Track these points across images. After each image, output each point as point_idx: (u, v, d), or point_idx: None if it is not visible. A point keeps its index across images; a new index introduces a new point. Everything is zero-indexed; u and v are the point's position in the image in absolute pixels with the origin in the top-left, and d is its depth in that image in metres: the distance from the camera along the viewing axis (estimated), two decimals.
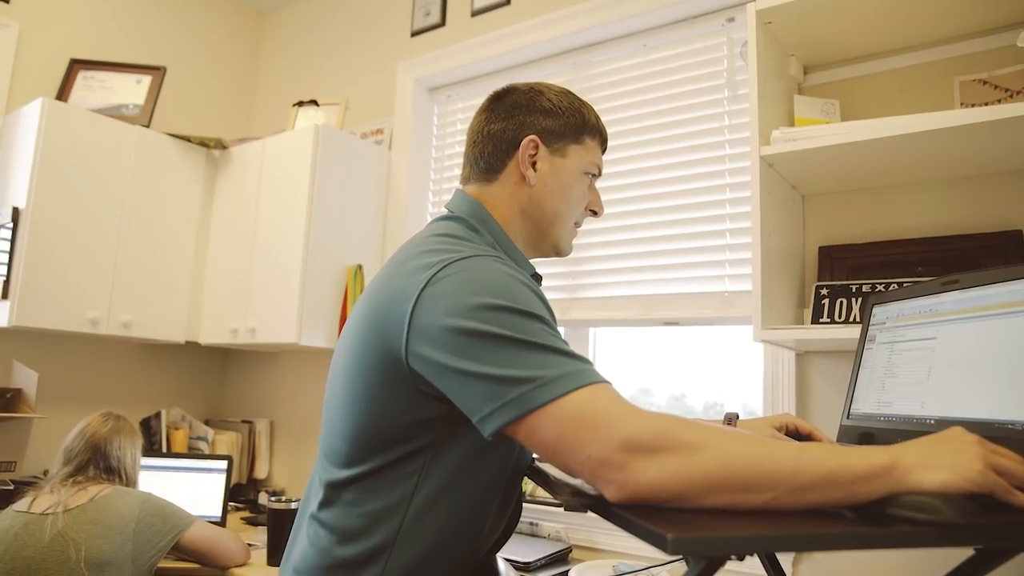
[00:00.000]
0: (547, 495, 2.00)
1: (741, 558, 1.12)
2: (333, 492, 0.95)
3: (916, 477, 0.70)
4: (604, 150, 1.19)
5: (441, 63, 2.71)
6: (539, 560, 1.77)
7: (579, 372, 0.80)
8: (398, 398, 0.90)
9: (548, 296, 2.26)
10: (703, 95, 2.10)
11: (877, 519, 0.69)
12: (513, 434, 0.81)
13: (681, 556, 1.06)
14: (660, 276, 2.09)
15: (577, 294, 2.25)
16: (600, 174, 1.19)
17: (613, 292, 2.18)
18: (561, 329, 2.28)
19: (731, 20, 2.07)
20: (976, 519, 0.67)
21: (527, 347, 0.81)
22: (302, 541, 0.98)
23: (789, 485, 0.71)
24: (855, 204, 1.76)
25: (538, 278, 1.15)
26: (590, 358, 2.23)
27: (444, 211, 1.14)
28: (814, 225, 1.80)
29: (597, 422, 0.75)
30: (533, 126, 1.10)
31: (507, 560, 1.75)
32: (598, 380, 0.80)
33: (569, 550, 1.91)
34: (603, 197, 2.18)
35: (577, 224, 1.18)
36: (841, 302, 1.64)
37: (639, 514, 0.69)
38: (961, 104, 1.64)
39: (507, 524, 1.06)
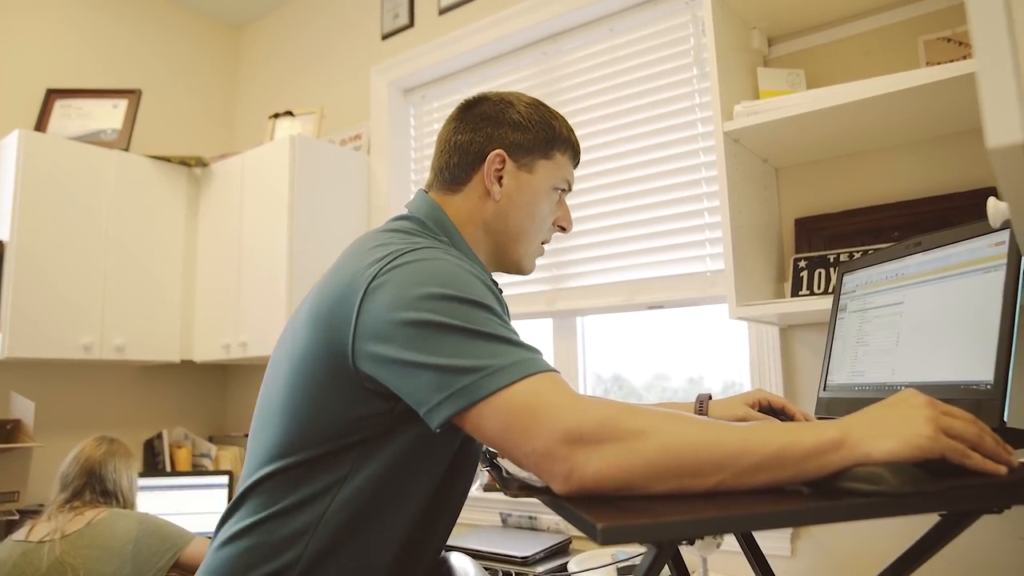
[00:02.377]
0: None
1: (692, 542, 1.12)
2: (261, 481, 0.92)
3: (865, 448, 0.69)
4: (576, 163, 1.16)
5: (413, 64, 2.71)
6: (538, 553, 1.77)
7: (526, 361, 0.79)
8: (341, 394, 0.89)
9: (533, 289, 2.28)
10: (672, 75, 2.09)
11: (830, 493, 0.68)
12: (460, 425, 0.80)
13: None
14: (643, 260, 2.08)
15: (562, 284, 2.25)
16: (570, 189, 1.16)
17: (597, 280, 2.17)
18: (548, 320, 2.29)
19: None
20: (922, 486, 0.65)
21: (473, 336, 0.80)
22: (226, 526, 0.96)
23: (736, 467, 0.70)
24: (829, 173, 1.74)
25: (495, 283, 1.13)
26: (579, 346, 2.23)
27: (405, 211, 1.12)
28: (789, 197, 1.79)
29: (541, 414, 0.74)
30: (501, 139, 1.07)
31: (505, 556, 1.75)
32: (545, 369, 0.79)
33: (569, 542, 1.91)
34: (579, 186, 2.21)
35: (544, 241, 1.16)
36: (819, 273, 1.63)
37: (580, 504, 0.68)
38: (927, 63, 1.62)
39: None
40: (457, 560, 1.08)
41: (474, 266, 0.93)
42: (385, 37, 2.86)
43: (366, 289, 0.87)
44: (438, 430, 0.81)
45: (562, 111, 2.28)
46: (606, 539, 0.58)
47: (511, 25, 2.40)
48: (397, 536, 0.94)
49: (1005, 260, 0.91)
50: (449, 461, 0.97)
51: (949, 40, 1.61)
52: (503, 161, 1.07)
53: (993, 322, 0.90)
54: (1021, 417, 1.38)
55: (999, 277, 0.91)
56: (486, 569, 1.69)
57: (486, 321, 0.83)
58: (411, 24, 2.76)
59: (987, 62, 0.48)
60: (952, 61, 1.56)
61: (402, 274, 0.87)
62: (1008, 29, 0.47)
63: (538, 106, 1.12)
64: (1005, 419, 0.82)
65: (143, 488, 2.28)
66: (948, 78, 1.31)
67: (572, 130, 1.15)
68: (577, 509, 0.66)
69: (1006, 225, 0.87)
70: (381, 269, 0.88)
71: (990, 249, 0.96)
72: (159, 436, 2.78)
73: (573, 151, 1.14)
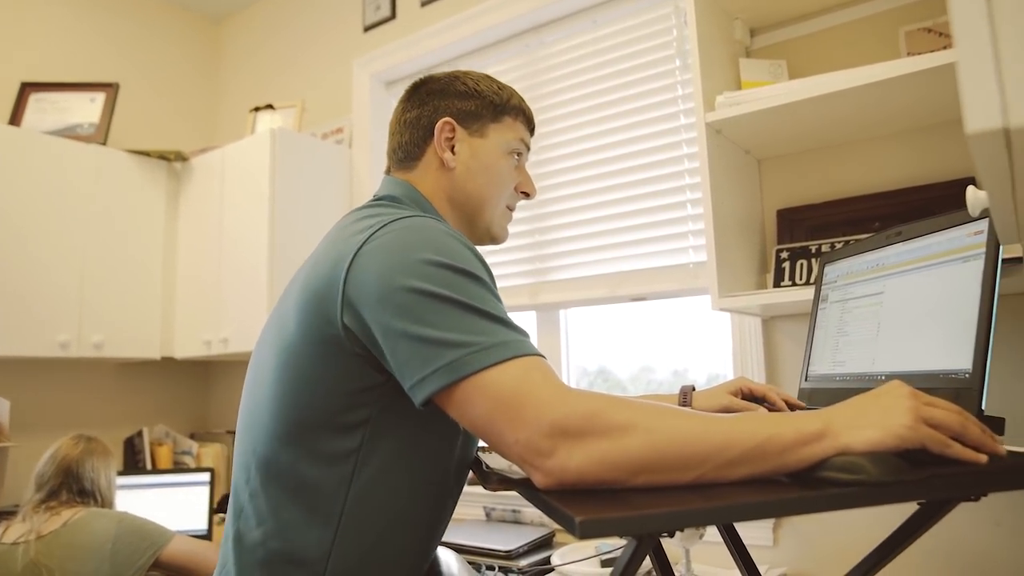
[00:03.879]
0: None
1: (672, 534, 1.12)
2: (261, 480, 0.90)
3: (846, 439, 0.69)
4: (531, 131, 1.15)
5: (395, 56, 2.69)
6: (522, 547, 1.77)
7: (514, 342, 0.78)
8: (333, 364, 0.86)
9: (517, 282, 2.27)
10: (654, 67, 2.08)
11: (810, 483, 0.68)
12: (445, 405, 0.78)
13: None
14: (626, 253, 2.07)
15: (545, 277, 2.24)
16: (527, 152, 1.14)
17: (581, 272, 2.17)
18: (532, 313, 2.28)
19: None
20: (901, 475, 0.65)
21: (465, 309, 0.79)
22: (232, 540, 0.94)
23: (718, 460, 0.70)
24: (810, 164, 1.74)
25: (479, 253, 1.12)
26: (562, 339, 2.23)
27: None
28: (771, 188, 1.79)
29: (527, 404, 0.73)
30: (448, 109, 1.07)
31: (488, 550, 1.75)
32: (533, 353, 0.78)
33: (552, 535, 1.91)
34: (563, 178, 2.20)
35: (510, 208, 1.14)
36: (801, 264, 1.63)
37: (559, 497, 0.67)
38: (907, 53, 1.62)
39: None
40: (442, 554, 1.07)
41: (461, 235, 0.91)
42: (367, 29, 2.83)
43: (355, 255, 0.85)
44: (422, 408, 0.79)
45: (545, 103, 2.29)
46: (585, 533, 0.58)
47: (493, 17, 2.39)
48: (411, 531, 0.93)
49: (984, 249, 0.91)
50: (457, 445, 0.95)
51: (930, 31, 1.61)
52: (453, 129, 1.06)
53: (972, 311, 0.89)
54: (999, 405, 1.39)
55: (978, 266, 0.91)
56: (470, 563, 1.68)
57: (478, 295, 0.81)
58: (393, 16, 2.74)
59: (966, 47, 0.47)
60: (933, 51, 1.56)
61: (394, 240, 0.85)
62: (987, 14, 0.47)
63: (487, 78, 1.12)
64: (983, 407, 0.82)
65: (123, 487, 2.26)
66: (929, 68, 1.31)
67: (523, 99, 1.14)
68: (556, 502, 0.65)
69: (985, 214, 0.87)
70: (370, 236, 0.86)
71: (969, 238, 0.95)
72: (139, 434, 2.75)
73: (525, 116, 1.13)
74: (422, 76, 1.13)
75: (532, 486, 0.73)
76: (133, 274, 2.70)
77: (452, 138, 1.06)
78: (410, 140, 1.08)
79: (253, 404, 0.95)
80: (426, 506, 0.93)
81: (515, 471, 0.80)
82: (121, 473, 2.34)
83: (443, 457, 0.94)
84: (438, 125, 1.06)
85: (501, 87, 1.11)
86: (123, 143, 2.94)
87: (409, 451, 0.90)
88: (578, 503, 0.65)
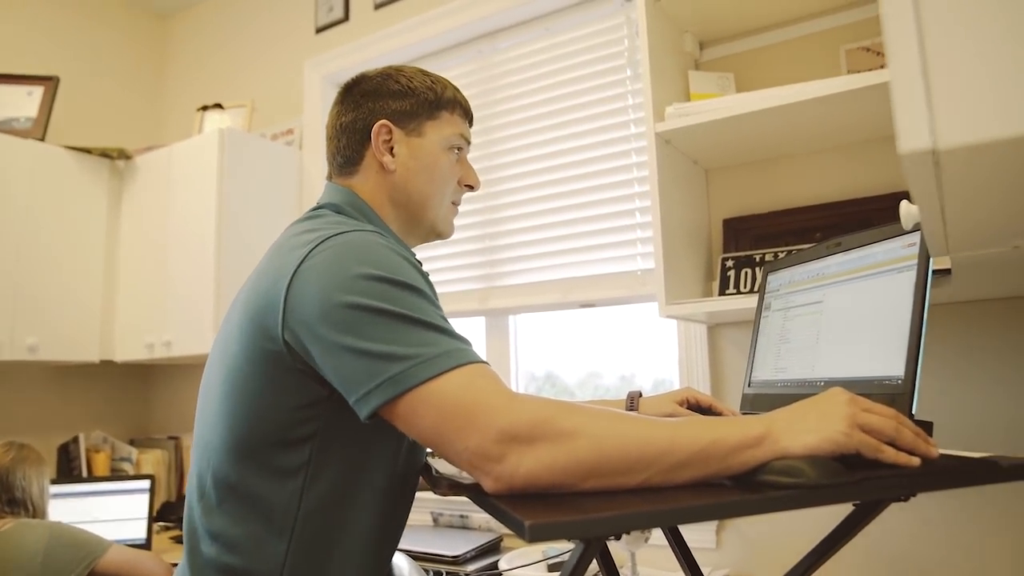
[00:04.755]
0: None
1: (618, 537, 1.14)
2: (216, 497, 0.90)
3: (785, 443, 0.72)
4: (470, 122, 1.14)
5: (347, 58, 2.67)
6: (469, 552, 1.77)
7: (457, 351, 0.78)
8: (277, 381, 0.86)
9: (466, 287, 2.27)
10: (606, 76, 2.11)
11: (750, 486, 0.70)
12: (391, 417, 0.78)
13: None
14: (575, 259, 2.09)
15: (495, 283, 2.25)
16: (468, 145, 1.14)
17: (530, 278, 2.18)
18: (481, 319, 2.28)
19: (628, 0, 2.08)
20: (837, 478, 0.68)
21: (405, 322, 0.79)
22: (187, 559, 0.94)
23: (663, 464, 0.71)
24: (756, 175, 1.79)
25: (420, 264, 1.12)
26: (511, 344, 2.23)
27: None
28: (718, 198, 1.83)
29: (475, 411, 0.73)
30: (383, 111, 1.06)
31: (436, 555, 1.74)
32: (477, 360, 0.79)
33: (500, 540, 1.91)
34: (514, 184, 2.21)
35: (455, 203, 1.14)
36: (746, 272, 1.67)
37: (510, 502, 0.68)
38: (848, 71, 1.68)
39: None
40: (397, 560, 1.07)
41: (400, 247, 0.92)
42: (319, 31, 2.80)
43: (294, 272, 0.85)
44: (367, 421, 0.79)
45: (498, 109, 2.30)
46: (534, 536, 0.59)
47: (447, 22, 2.39)
48: (365, 541, 0.92)
49: (916, 261, 0.95)
50: (403, 454, 0.95)
51: (868, 50, 1.67)
52: (389, 131, 1.05)
53: (904, 320, 0.93)
54: (928, 410, 1.45)
55: (911, 277, 0.95)
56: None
57: (418, 306, 0.81)
58: (346, 18, 2.72)
59: (898, 72, 0.50)
60: (871, 70, 1.63)
61: (332, 256, 0.85)
62: (918, 38, 0.49)
63: (421, 73, 1.10)
64: (913, 412, 0.85)
65: (57, 496, 2.18)
66: (867, 86, 1.36)
67: (459, 90, 1.13)
68: (505, 507, 0.66)
69: (917, 227, 0.91)
70: (309, 252, 0.86)
71: (903, 250, 0.99)
72: (75, 440, 2.66)
73: (462, 108, 1.12)
74: (355, 76, 1.12)
75: (482, 491, 0.74)
76: (72, 274, 2.62)
77: (390, 140, 1.05)
78: (347, 145, 1.07)
79: (204, 422, 0.95)
80: (379, 516, 0.93)
81: (465, 476, 0.81)
82: (55, 481, 2.26)
83: (392, 467, 0.94)
84: (374, 129, 1.05)
85: (435, 80, 1.10)
86: (63, 139, 2.85)
87: (358, 463, 0.90)
88: (527, 507, 0.66)
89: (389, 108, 1.06)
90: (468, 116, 1.14)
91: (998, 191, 0.61)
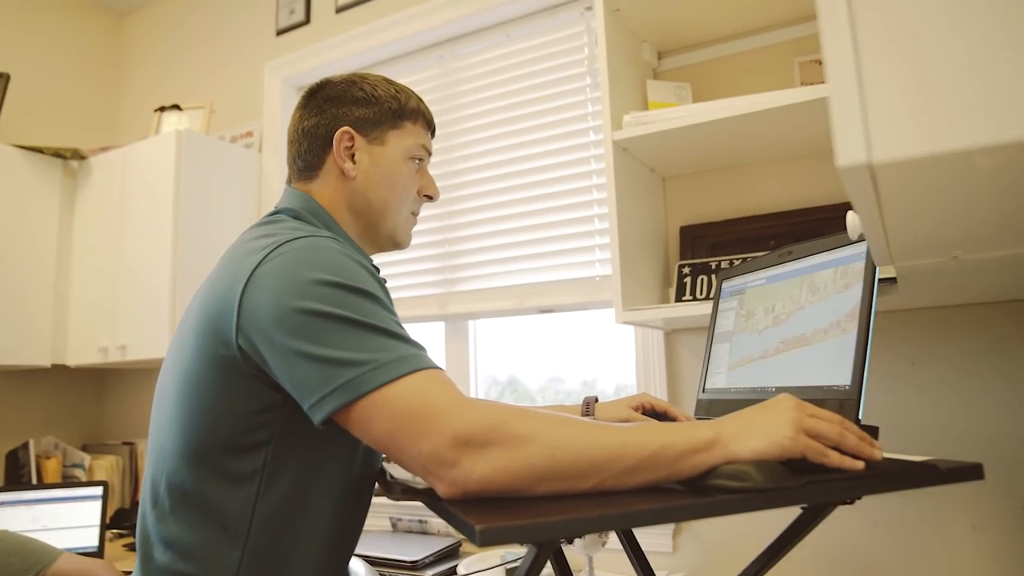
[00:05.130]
0: None
1: (570, 541, 1.15)
2: (169, 504, 0.89)
3: (734, 448, 0.74)
4: (432, 133, 1.16)
5: (308, 61, 2.65)
6: (427, 557, 1.76)
7: (410, 357, 0.79)
8: (231, 387, 0.86)
9: (425, 292, 2.28)
10: (566, 83, 2.13)
11: (700, 490, 0.72)
12: (345, 423, 0.78)
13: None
14: (534, 265, 2.11)
15: (454, 288, 2.25)
16: (428, 156, 1.15)
17: (489, 284, 2.19)
18: (441, 324, 2.28)
19: (588, 9, 2.10)
20: (783, 482, 0.69)
21: (359, 328, 0.79)
22: (140, 566, 0.93)
23: (615, 469, 0.72)
24: (712, 184, 1.82)
25: (376, 271, 1.12)
26: (471, 349, 2.24)
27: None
28: (675, 206, 1.86)
29: (429, 417, 0.74)
30: (346, 117, 1.06)
31: (394, 560, 1.74)
32: (431, 366, 0.79)
33: (459, 545, 1.91)
34: (473, 189, 2.22)
35: (414, 213, 1.15)
36: (702, 279, 1.70)
37: (462, 507, 0.69)
38: (801, 83, 1.72)
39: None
40: (353, 565, 1.07)
41: (356, 253, 0.92)
42: (280, 33, 2.78)
43: (249, 277, 0.85)
44: (322, 427, 0.79)
45: (457, 115, 2.30)
46: (484, 541, 0.59)
47: (408, 27, 2.39)
48: (320, 548, 0.92)
49: (863, 270, 0.98)
50: (359, 459, 0.95)
51: (820, 63, 1.71)
52: (352, 138, 1.06)
53: (852, 327, 0.96)
54: (875, 414, 1.49)
55: (858, 285, 0.98)
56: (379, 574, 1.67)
57: (372, 312, 0.82)
58: (307, 21, 2.71)
59: (836, 88, 0.52)
60: (823, 82, 1.67)
61: (286, 261, 0.85)
62: (854, 58, 0.52)
63: (385, 81, 1.11)
64: (860, 418, 0.87)
65: (4, 504, 2.13)
66: (818, 98, 1.40)
67: (422, 100, 1.14)
68: (456, 511, 0.67)
69: (862, 237, 0.94)
70: (264, 257, 0.86)
71: (851, 259, 1.02)
72: (24, 446, 2.59)
73: (425, 120, 1.13)
74: (319, 81, 1.12)
75: (436, 496, 0.74)
76: (22, 276, 2.55)
77: (351, 147, 1.06)
78: (309, 150, 1.07)
79: (158, 428, 0.94)
80: (334, 521, 0.94)
81: (419, 481, 0.81)
82: (2, 489, 2.20)
83: (347, 472, 0.94)
84: (336, 135, 1.05)
85: (399, 90, 1.11)
86: (13, 137, 2.79)
87: (312, 468, 0.90)
88: (479, 512, 0.66)
89: (352, 115, 1.06)
90: (431, 127, 1.15)
91: (935, 204, 0.64)
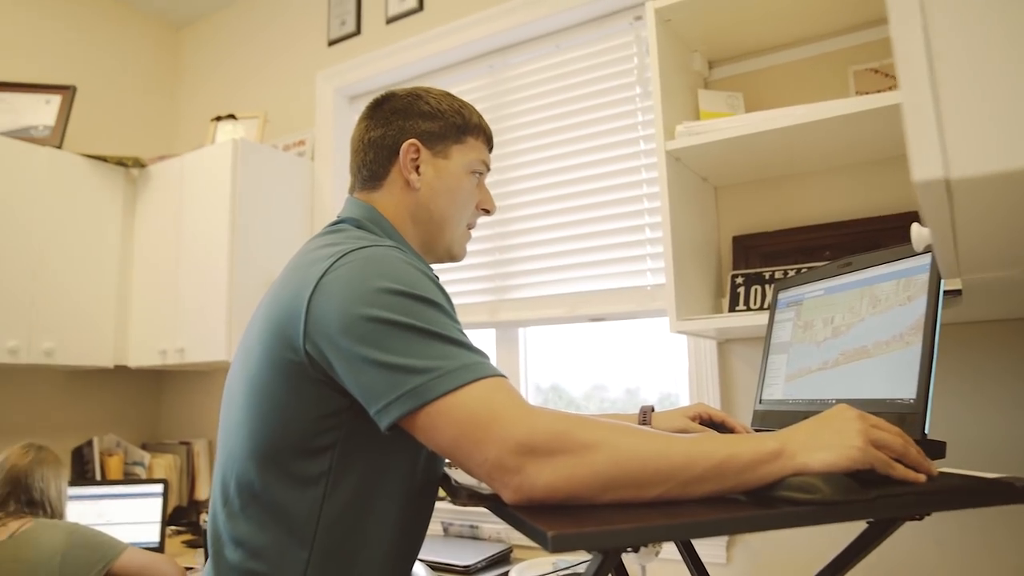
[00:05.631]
0: None
1: (636, 549, 1.15)
2: (239, 503, 0.92)
3: (802, 459, 0.73)
4: (490, 148, 1.18)
5: (359, 71, 2.70)
6: (479, 562, 1.78)
7: (475, 365, 0.80)
8: (298, 391, 0.88)
9: (477, 300, 2.30)
10: (616, 93, 2.14)
11: (766, 502, 0.72)
12: (410, 428, 0.80)
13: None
14: (585, 274, 2.12)
15: (505, 295, 2.27)
16: (487, 171, 1.18)
17: (540, 292, 2.20)
18: (491, 331, 2.30)
19: (638, 19, 2.11)
20: (853, 495, 0.69)
21: (425, 335, 0.81)
22: (212, 564, 0.96)
23: (681, 478, 0.73)
24: (765, 193, 1.81)
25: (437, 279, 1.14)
26: (521, 357, 2.26)
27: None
28: (727, 215, 1.85)
29: (493, 424, 0.75)
30: (413, 130, 1.09)
31: (446, 564, 1.76)
32: (495, 374, 0.81)
33: (510, 550, 1.93)
34: (524, 198, 2.24)
35: (470, 226, 1.17)
36: (755, 289, 1.69)
37: (530, 513, 0.70)
38: (856, 92, 1.71)
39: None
40: (414, 567, 1.09)
41: (418, 262, 0.94)
42: (332, 43, 2.84)
43: (316, 284, 0.87)
44: (387, 432, 0.81)
45: (507, 124, 2.33)
46: (556, 547, 0.60)
47: (457, 38, 2.43)
48: (385, 552, 0.94)
49: (927, 282, 0.97)
50: (422, 464, 0.97)
51: (876, 71, 1.70)
52: (417, 150, 1.08)
53: (916, 340, 0.95)
54: (940, 429, 1.46)
55: (921, 298, 0.97)
56: None
57: (437, 320, 0.83)
58: (358, 32, 2.76)
59: (911, 101, 0.52)
60: (879, 92, 1.65)
61: (353, 270, 0.87)
62: (929, 70, 0.52)
63: (448, 96, 1.14)
64: (926, 432, 0.87)
65: (72, 498, 2.20)
66: (875, 108, 1.38)
67: (482, 117, 1.17)
68: (527, 518, 0.68)
69: (928, 249, 0.93)
70: (331, 266, 0.88)
71: (914, 271, 1.01)
72: (89, 443, 2.68)
73: (485, 135, 1.16)
74: (383, 93, 1.15)
75: (501, 502, 0.76)
76: (87, 280, 2.65)
77: (417, 159, 1.08)
78: (375, 160, 1.10)
79: (227, 431, 0.97)
80: (398, 525, 0.95)
81: (484, 487, 0.83)
82: (70, 484, 2.29)
83: (411, 477, 0.96)
84: (404, 147, 1.08)
85: (462, 106, 1.14)
86: (79, 147, 2.89)
87: (377, 472, 0.92)
88: (548, 519, 0.67)
89: (419, 128, 1.09)
90: (490, 143, 1.18)
91: (1010, 218, 0.63)
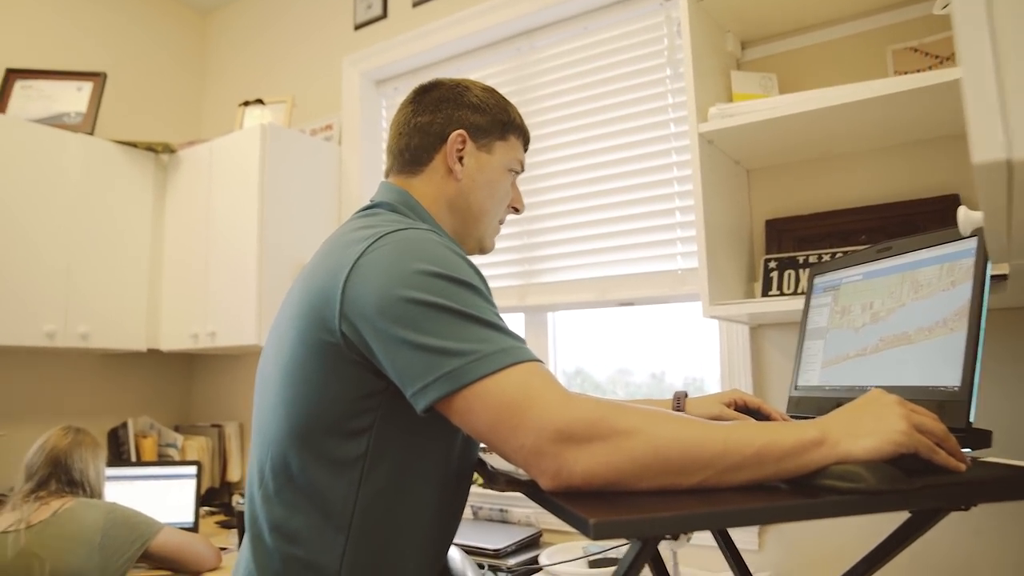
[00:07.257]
0: None
1: (675, 537, 1.15)
2: (274, 486, 0.92)
3: (845, 447, 0.72)
4: (526, 149, 1.19)
5: (385, 55, 2.69)
6: (510, 546, 1.79)
7: (513, 349, 0.80)
8: (334, 372, 0.88)
9: (506, 283, 2.29)
10: (645, 75, 2.12)
11: (807, 491, 0.71)
12: (447, 412, 0.80)
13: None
14: (614, 257, 2.10)
15: (534, 279, 2.27)
16: (522, 171, 1.19)
17: (569, 276, 2.19)
18: (520, 314, 2.30)
19: None
20: (897, 484, 0.68)
21: (463, 318, 0.81)
22: (250, 547, 0.97)
23: (719, 466, 0.72)
24: (799, 176, 1.78)
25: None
26: (550, 341, 2.25)
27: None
28: (760, 199, 1.83)
29: (531, 409, 0.75)
30: (461, 121, 1.09)
31: (477, 548, 1.77)
32: (532, 359, 0.80)
33: (539, 534, 1.94)
34: (553, 181, 2.23)
35: (501, 221, 1.18)
36: (789, 274, 1.67)
37: (568, 499, 0.70)
38: (894, 72, 1.67)
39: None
40: (451, 552, 1.09)
41: (456, 245, 0.93)
42: (358, 27, 2.84)
43: (352, 266, 0.87)
44: (424, 415, 0.81)
45: (535, 107, 2.31)
46: (598, 534, 0.60)
47: (485, 20, 2.41)
48: (422, 535, 0.94)
49: (972, 266, 0.95)
50: (458, 449, 0.97)
51: (916, 50, 1.66)
52: (464, 141, 1.09)
53: (959, 326, 0.93)
54: (986, 417, 1.44)
55: (966, 282, 0.95)
56: None
57: (474, 303, 0.83)
58: (384, 15, 2.75)
59: (973, 81, 0.51)
60: (919, 71, 1.61)
61: (390, 251, 0.87)
62: (993, 52, 0.50)
63: (492, 91, 1.15)
64: (972, 420, 0.85)
65: (109, 478, 2.24)
66: (916, 88, 1.35)
67: (522, 117, 1.18)
68: (566, 504, 0.68)
69: (975, 233, 0.91)
70: (367, 248, 0.88)
71: (958, 255, 0.99)
72: (124, 425, 2.73)
73: (524, 136, 1.18)
74: (431, 80, 1.15)
75: (539, 488, 0.75)
76: (120, 265, 2.69)
77: (462, 150, 1.09)
78: (420, 144, 1.10)
79: (262, 414, 0.97)
80: (434, 509, 0.95)
81: (521, 473, 0.83)
82: (107, 465, 2.33)
83: (447, 461, 0.96)
84: (452, 136, 1.08)
85: (506, 104, 1.15)
86: (109, 133, 2.92)
87: (414, 456, 0.92)
88: (588, 505, 0.67)
89: (468, 120, 1.10)
90: (527, 145, 1.19)
91: None
